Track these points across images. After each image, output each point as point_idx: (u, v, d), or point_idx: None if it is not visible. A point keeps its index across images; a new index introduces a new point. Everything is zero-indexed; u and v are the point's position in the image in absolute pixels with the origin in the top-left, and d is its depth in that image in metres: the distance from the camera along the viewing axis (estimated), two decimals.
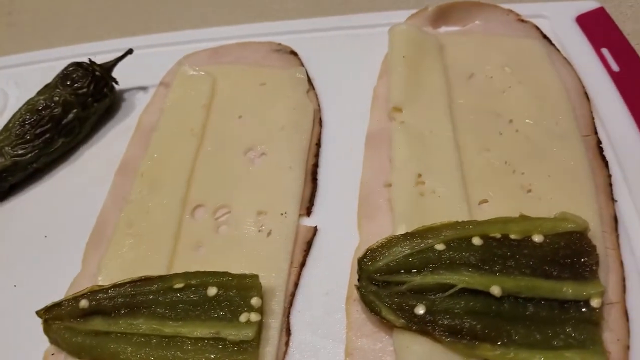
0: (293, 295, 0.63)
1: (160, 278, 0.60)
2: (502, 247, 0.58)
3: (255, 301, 0.57)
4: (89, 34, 1.12)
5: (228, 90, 0.87)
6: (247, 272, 0.60)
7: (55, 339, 0.59)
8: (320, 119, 0.83)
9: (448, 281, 0.55)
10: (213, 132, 0.81)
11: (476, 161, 0.72)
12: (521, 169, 0.70)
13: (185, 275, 0.60)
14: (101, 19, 1.20)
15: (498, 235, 0.59)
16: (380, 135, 0.78)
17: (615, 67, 0.83)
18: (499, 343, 0.52)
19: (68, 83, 0.84)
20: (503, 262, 0.57)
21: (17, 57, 1.03)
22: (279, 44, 0.94)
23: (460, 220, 0.62)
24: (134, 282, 0.60)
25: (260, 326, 0.57)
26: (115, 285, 0.60)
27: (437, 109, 0.78)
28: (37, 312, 0.59)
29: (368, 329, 0.58)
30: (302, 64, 0.90)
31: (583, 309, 0.54)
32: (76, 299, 0.59)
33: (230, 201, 0.72)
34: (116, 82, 0.90)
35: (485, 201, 0.68)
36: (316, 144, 0.79)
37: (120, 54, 0.90)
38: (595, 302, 0.54)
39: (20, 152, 0.78)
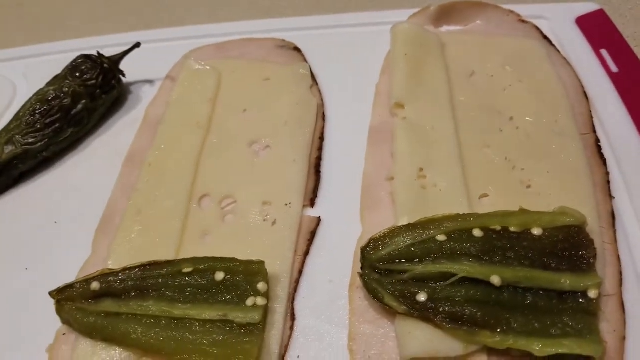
0: (297, 282, 0.64)
1: (169, 263, 0.62)
2: (502, 239, 0.60)
3: (261, 286, 0.59)
4: (97, 27, 1.14)
5: (233, 84, 0.89)
6: (253, 259, 0.61)
7: (67, 319, 0.60)
8: (323, 114, 0.85)
9: (449, 270, 0.57)
10: (218, 125, 0.83)
11: (477, 157, 0.74)
12: (521, 165, 0.72)
13: (194, 260, 0.61)
14: (109, 13, 1.22)
15: (498, 228, 0.61)
16: (383, 131, 0.80)
17: (614, 68, 0.85)
18: (499, 330, 0.54)
19: (77, 75, 0.86)
20: (503, 253, 0.59)
21: (26, 49, 1.04)
22: (283, 40, 0.96)
23: (461, 213, 0.63)
24: (143, 266, 0.61)
25: (266, 310, 0.58)
26: (125, 269, 0.61)
27: (439, 106, 0.80)
28: (50, 293, 0.61)
29: (371, 316, 0.60)
30: (305, 60, 0.92)
31: (581, 300, 0.56)
32: (88, 281, 0.61)
33: (235, 191, 0.74)
34: (123, 75, 0.92)
35: (486, 195, 0.70)
36: (319, 138, 0.81)
37: (127, 47, 0.91)
38: (592, 294, 0.56)
39: (30, 140, 0.80)
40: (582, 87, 0.83)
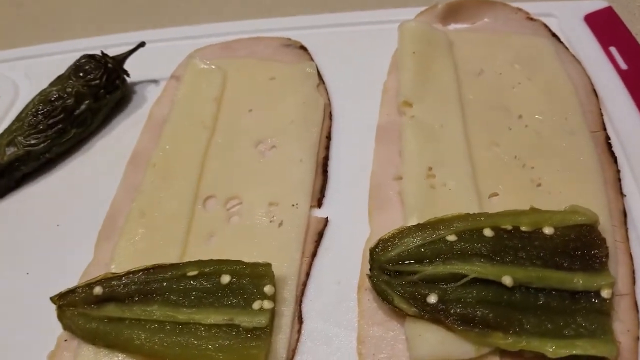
0: (305, 284, 0.63)
1: (174, 266, 0.61)
2: (513, 239, 0.59)
3: (268, 289, 0.58)
4: (100, 27, 1.13)
5: (238, 84, 0.88)
6: (259, 261, 0.60)
7: (68, 325, 0.59)
8: (330, 113, 0.84)
9: (460, 271, 0.56)
10: (224, 125, 0.82)
11: (486, 155, 0.73)
12: (531, 163, 0.71)
13: (199, 263, 0.60)
14: (113, 12, 1.21)
15: (509, 227, 0.60)
16: (390, 129, 0.79)
17: (623, 65, 0.84)
18: (511, 331, 0.53)
19: (81, 74, 0.85)
20: (514, 253, 0.57)
21: (28, 50, 1.04)
22: (289, 39, 0.95)
23: (471, 212, 0.62)
24: (147, 270, 0.60)
25: (273, 313, 0.57)
26: (128, 273, 0.60)
27: (447, 104, 0.79)
28: (51, 298, 0.60)
29: (380, 318, 0.59)
30: (311, 59, 0.91)
31: (593, 300, 0.55)
32: (90, 285, 0.60)
33: (241, 192, 0.73)
34: (128, 75, 0.91)
35: (496, 194, 0.68)
36: (326, 137, 0.80)
37: (131, 47, 0.90)
38: (605, 293, 0.55)
39: (32, 142, 0.79)
40: (592, 84, 0.82)
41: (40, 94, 0.83)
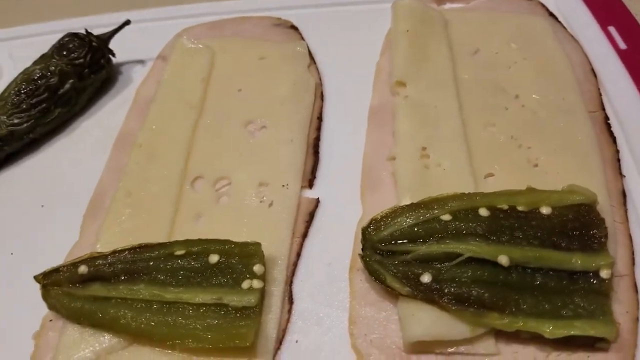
0: (295, 264, 0.62)
1: (161, 245, 0.59)
2: (509, 218, 0.57)
3: (257, 268, 0.56)
4: (85, 7, 1.09)
5: (227, 63, 0.85)
6: (249, 240, 0.58)
7: (53, 305, 0.57)
8: (321, 93, 0.82)
9: (455, 250, 0.54)
10: (212, 105, 0.80)
11: (481, 135, 0.71)
12: (527, 143, 0.70)
13: (187, 242, 0.59)
14: None
15: (505, 207, 0.58)
16: (383, 110, 0.77)
17: (622, 45, 0.82)
18: (507, 312, 0.51)
19: (64, 53, 0.82)
20: (511, 232, 0.56)
21: (12, 30, 1.00)
22: (279, 19, 0.92)
23: (466, 192, 0.61)
24: (134, 249, 0.58)
25: (262, 293, 0.56)
26: (114, 252, 0.58)
27: (442, 84, 0.77)
28: (36, 277, 0.58)
29: (372, 298, 0.57)
30: (302, 39, 0.88)
31: (592, 280, 0.53)
32: (75, 264, 0.58)
33: (230, 173, 0.71)
34: (113, 55, 0.88)
35: (491, 175, 0.67)
36: (317, 118, 0.78)
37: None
38: (604, 273, 0.54)
39: (16, 121, 0.77)
40: (590, 64, 0.80)
41: (23, 72, 0.81)
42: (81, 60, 0.82)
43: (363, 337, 0.55)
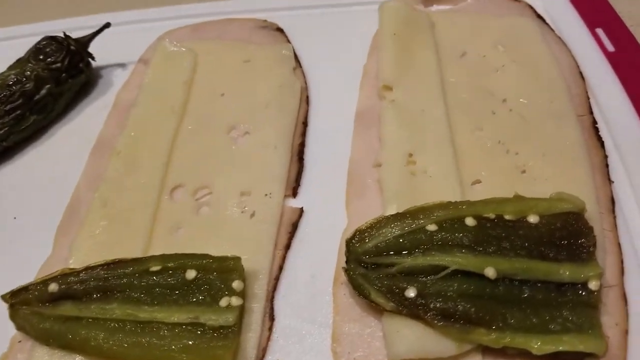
0: (277, 279, 0.60)
1: (136, 261, 0.57)
2: (496, 228, 0.56)
3: (237, 284, 0.54)
4: (64, 9, 1.07)
5: (210, 67, 0.83)
6: (229, 254, 0.56)
7: (22, 325, 0.55)
8: (307, 97, 0.80)
9: (440, 263, 0.53)
10: (194, 110, 0.77)
11: (469, 141, 0.70)
12: (515, 148, 0.68)
13: (162, 257, 0.56)
14: None
15: (492, 216, 0.57)
16: (370, 114, 0.75)
17: (610, 48, 0.81)
18: (494, 327, 0.50)
19: (41, 57, 0.80)
20: (497, 243, 0.54)
21: None
22: (265, 21, 0.90)
23: (452, 200, 0.59)
24: (107, 265, 0.56)
25: (241, 311, 0.54)
26: (87, 268, 0.56)
27: (429, 88, 0.75)
28: (3, 297, 0.55)
29: (356, 313, 0.56)
30: (288, 41, 0.86)
31: (581, 292, 0.52)
32: (45, 282, 0.55)
33: (211, 182, 0.69)
34: (92, 58, 0.86)
35: (479, 182, 0.65)
36: (303, 123, 0.76)
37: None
38: (593, 285, 0.52)
39: None
40: (578, 67, 0.79)
41: None
42: (59, 65, 0.79)
43: (346, 356, 0.53)
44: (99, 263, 0.56)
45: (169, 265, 0.55)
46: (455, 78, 0.77)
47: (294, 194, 0.68)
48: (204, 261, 0.55)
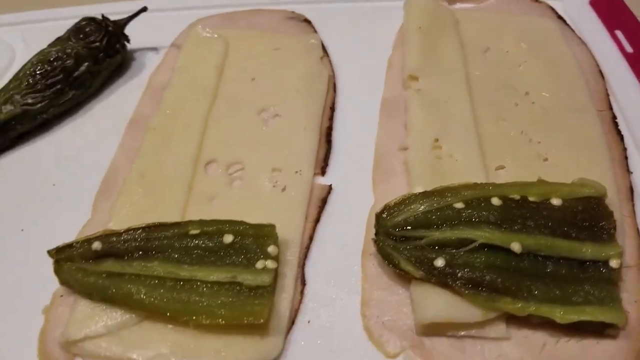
0: (308, 248, 0.62)
1: (176, 224, 0.59)
2: (521, 208, 0.58)
3: (272, 249, 0.56)
4: None
5: (241, 53, 0.86)
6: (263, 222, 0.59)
7: (66, 280, 0.57)
8: (334, 84, 0.82)
9: (468, 236, 0.55)
10: (225, 93, 0.80)
11: (492, 130, 0.72)
12: (537, 138, 0.71)
13: (201, 222, 0.59)
14: None
15: (517, 197, 0.59)
16: (395, 103, 0.78)
17: (629, 49, 0.84)
18: (519, 297, 0.52)
19: (81, 36, 0.83)
20: (522, 221, 0.57)
21: (26, 14, 1.00)
22: (293, 12, 0.93)
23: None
24: (148, 227, 0.58)
25: (276, 273, 0.56)
26: (129, 230, 0.58)
27: (453, 79, 0.78)
28: (49, 252, 0.58)
29: (384, 282, 0.58)
30: (315, 32, 0.89)
31: (602, 269, 0.54)
32: (89, 240, 0.58)
33: (243, 158, 0.71)
34: (128, 41, 0.89)
35: (502, 167, 0.68)
36: (330, 108, 0.79)
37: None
38: (614, 263, 0.54)
39: (30, 101, 0.77)
40: (597, 66, 0.82)
41: (39, 53, 0.81)
42: (97, 44, 0.82)
43: (375, 319, 0.55)
44: (140, 225, 0.59)
45: (208, 229, 0.58)
46: (479, 71, 0.80)
47: (323, 172, 0.71)
48: (241, 227, 0.58)
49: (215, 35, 0.88)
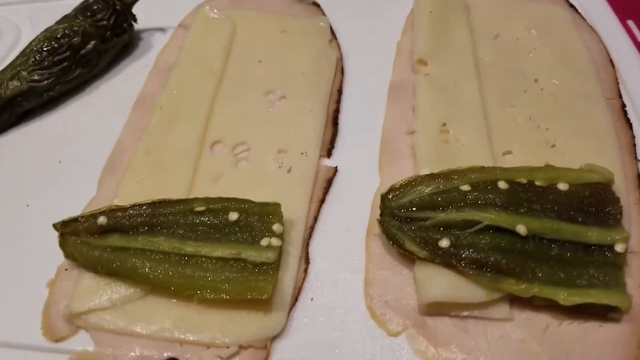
0: (312, 227, 0.62)
1: (181, 201, 0.59)
2: (527, 192, 0.58)
3: (276, 227, 0.56)
4: None
5: (248, 35, 0.86)
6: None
7: (71, 253, 0.57)
8: (342, 68, 0.82)
9: (474, 218, 0.55)
10: (232, 74, 0.80)
11: (500, 115, 0.72)
12: (545, 124, 0.70)
13: (207, 199, 0.59)
14: None
15: (524, 181, 0.59)
16: (403, 87, 0.78)
17: None
18: (524, 278, 0.52)
19: (88, 14, 0.82)
20: (529, 205, 0.57)
21: None
22: None
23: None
24: (153, 204, 0.59)
25: (280, 251, 0.56)
26: (134, 205, 0.59)
27: (463, 64, 0.77)
28: (54, 225, 0.58)
29: (388, 262, 0.58)
30: (324, 15, 0.89)
31: (607, 253, 0.54)
32: (94, 215, 0.58)
33: (249, 139, 0.71)
34: (135, 20, 0.88)
35: (509, 153, 0.68)
36: (337, 91, 0.78)
37: None
38: (619, 247, 0.54)
39: (36, 77, 0.77)
40: (608, 54, 0.81)
41: (46, 30, 0.81)
42: (104, 23, 0.82)
43: (378, 298, 0.55)
44: (146, 201, 0.59)
45: (213, 206, 0.58)
46: (489, 57, 0.79)
47: (329, 154, 0.70)
48: (246, 205, 0.58)
49: (223, 17, 0.87)
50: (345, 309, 0.56)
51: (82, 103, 0.81)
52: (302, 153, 0.68)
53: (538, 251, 0.54)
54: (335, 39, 0.86)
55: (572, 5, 0.89)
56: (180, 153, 0.68)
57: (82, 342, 0.55)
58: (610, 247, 0.54)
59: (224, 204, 0.58)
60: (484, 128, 0.69)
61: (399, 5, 0.90)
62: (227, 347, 0.52)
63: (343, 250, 0.60)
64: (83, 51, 0.80)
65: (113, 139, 0.73)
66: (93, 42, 0.81)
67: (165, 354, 0.52)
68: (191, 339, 0.53)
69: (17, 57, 0.80)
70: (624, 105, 0.73)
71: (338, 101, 0.77)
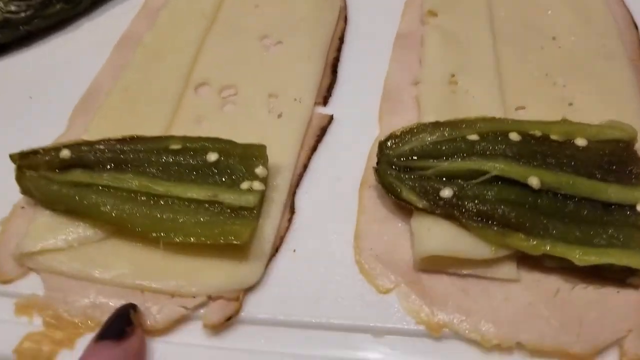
0: (301, 176, 0.57)
1: (155, 138, 0.53)
2: (541, 145, 0.52)
3: (260, 170, 0.51)
4: None
5: None
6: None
7: (27, 188, 0.52)
8: (345, 16, 0.76)
9: (481, 167, 0.49)
10: (226, 17, 0.74)
11: (514, 69, 0.66)
12: (563, 82, 0.64)
13: (184, 138, 0.53)
14: None
15: (538, 134, 0.53)
16: (411, 37, 0.72)
17: None
18: (534, 234, 0.46)
19: None
20: (543, 158, 0.51)
21: None
22: None
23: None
24: (124, 139, 0.53)
25: (262, 196, 0.50)
26: (103, 140, 0.53)
27: (475, 16, 0.71)
28: (11, 156, 0.52)
29: (382, 214, 0.52)
30: None
31: (628, 213, 0.48)
32: (57, 148, 0.52)
33: (238, 82, 0.65)
34: None
35: (523, 108, 0.62)
36: (339, 39, 0.72)
37: None
38: None
39: (13, 9, 0.71)
40: (631, 17, 0.75)
41: None
42: None
43: (369, 252, 0.50)
44: (116, 137, 0.53)
45: (190, 145, 0.52)
46: (504, 12, 0.73)
47: (325, 102, 0.65)
48: (227, 145, 0.52)
49: None
50: (330, 263, 0.50)
51: (61, 40, 0.74)
52: (296, 99, 0.63)
53: (552, 207, 0.48)
54: None
55: None
56: (161, 91, 0.63)
57: (31, 285, 0.49)
58: (632, 207, 0.48)
59: (202, 144, 0.52)
60: (495, 80, 0.63)
61: None
62: (194, 297, 0.46)
63: (333, 201, 0.55)
64: None
65: (90, 78, 0.67)
66: None
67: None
68: (153, 286, 0.47)
69: None
70: None
71: (339, 49, 0.71)
